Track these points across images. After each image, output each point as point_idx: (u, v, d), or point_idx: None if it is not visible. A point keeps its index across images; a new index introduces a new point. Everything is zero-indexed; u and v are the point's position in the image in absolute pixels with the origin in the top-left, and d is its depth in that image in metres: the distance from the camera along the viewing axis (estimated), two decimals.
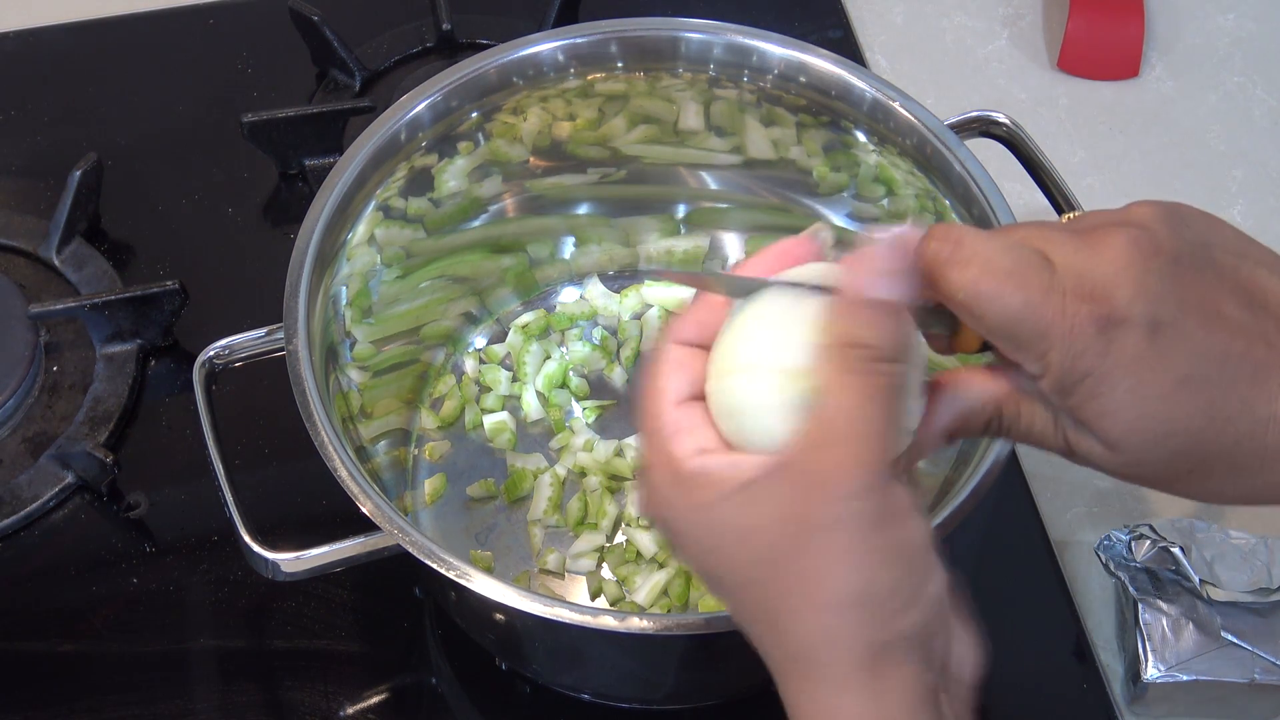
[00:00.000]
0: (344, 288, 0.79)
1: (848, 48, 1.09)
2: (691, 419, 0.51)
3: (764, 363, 0.49)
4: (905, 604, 0.47)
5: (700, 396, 0.51)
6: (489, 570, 0.74)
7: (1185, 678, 0.75)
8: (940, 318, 0.52)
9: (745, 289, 0.51)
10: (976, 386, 0.53)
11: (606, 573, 0.82)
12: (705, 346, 0.52)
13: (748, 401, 0.49)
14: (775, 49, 0.81)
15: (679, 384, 0.51)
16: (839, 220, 0.87)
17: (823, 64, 0.80)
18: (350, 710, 0.79)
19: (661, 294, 0.93)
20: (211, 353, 0.74)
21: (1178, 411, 0.50)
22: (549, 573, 0.82)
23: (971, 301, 0.50)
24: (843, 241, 0.52)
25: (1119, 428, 0.50)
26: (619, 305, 0.93)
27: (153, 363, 0.93)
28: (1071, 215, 0.61)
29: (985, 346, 0.52)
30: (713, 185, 0.91)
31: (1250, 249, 0.52)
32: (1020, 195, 0.89)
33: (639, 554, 0.82)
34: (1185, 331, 0.49)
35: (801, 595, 0.47)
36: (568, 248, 0.93)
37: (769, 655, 0.50)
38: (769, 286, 0.50)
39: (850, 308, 0.48)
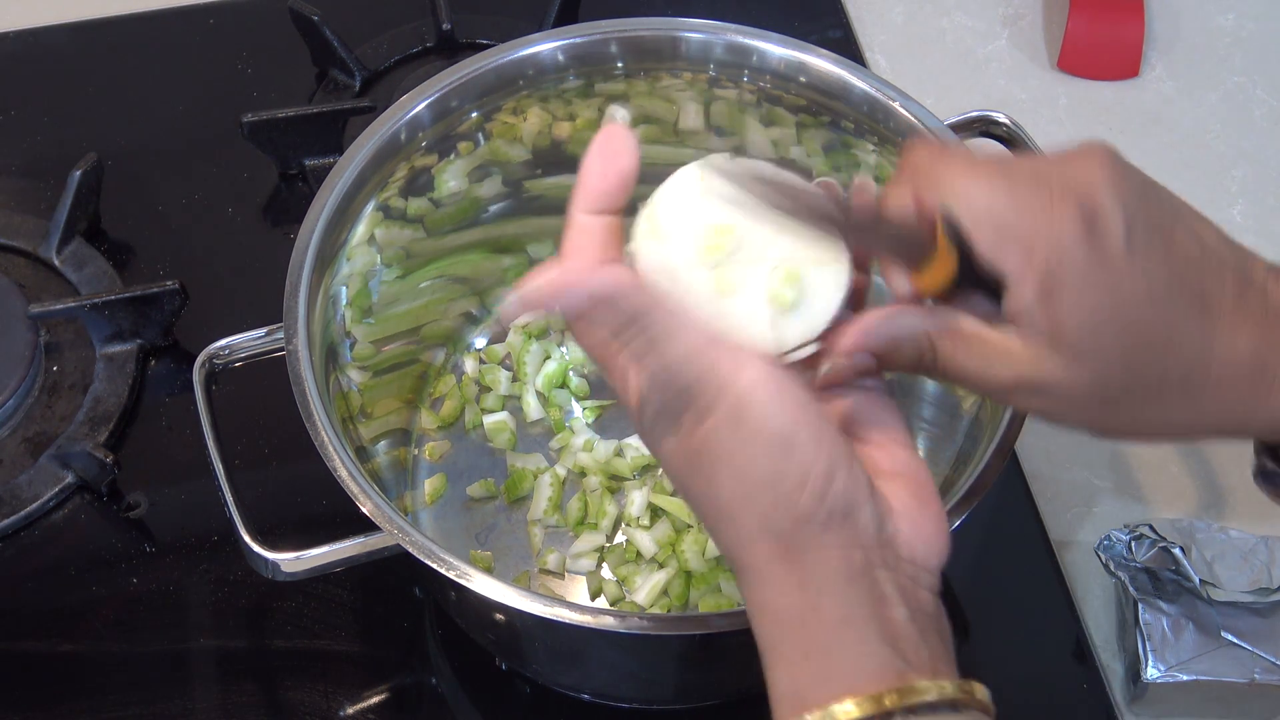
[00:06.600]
0: (344, 288, 0.79)
1: (848, 47, 1.09)
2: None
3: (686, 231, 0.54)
4: (796, 485, 0.49)
5: None
6: (489, 570, 0.74)
7: (1185, 678, 0.75)
8: (906, 248, 0.53)
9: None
10: (912, 316, 0.54)
11: (606, 573, 0.82)
12: None
13: (669, 263, 0.53)
14: (775, 49, 0.81)
15: None
16: None
17: (822, 64, 0.80)
18: (350, 710, 0.79)
19: None
20: (211, 353, 0.74)
21: (1150, 322, 0.51)
22: (549, 573, 0.82)
23: (961, 192, 0.51)
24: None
25: (1096, 338, 0.51)
26: None
27: (153, 363, 0.93)
28: None
29: (949, 286, 0.53)
30: None
31: (1182, 204, 0.54)
32: None
33: (639, 554, 0.82)
34: (1153, 248, 0.51)
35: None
36: None
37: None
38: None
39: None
